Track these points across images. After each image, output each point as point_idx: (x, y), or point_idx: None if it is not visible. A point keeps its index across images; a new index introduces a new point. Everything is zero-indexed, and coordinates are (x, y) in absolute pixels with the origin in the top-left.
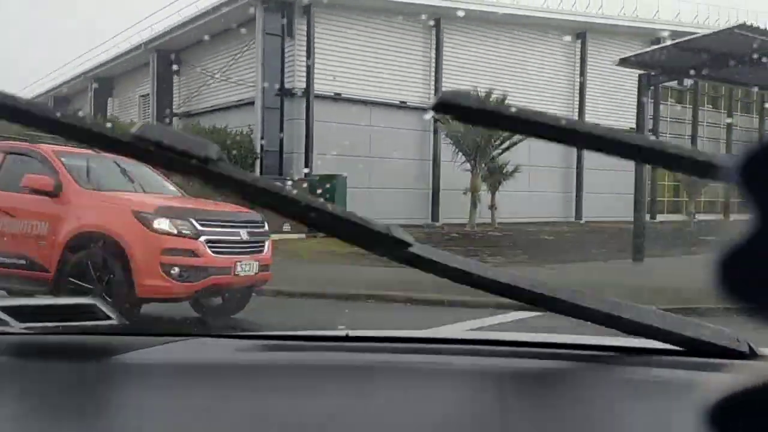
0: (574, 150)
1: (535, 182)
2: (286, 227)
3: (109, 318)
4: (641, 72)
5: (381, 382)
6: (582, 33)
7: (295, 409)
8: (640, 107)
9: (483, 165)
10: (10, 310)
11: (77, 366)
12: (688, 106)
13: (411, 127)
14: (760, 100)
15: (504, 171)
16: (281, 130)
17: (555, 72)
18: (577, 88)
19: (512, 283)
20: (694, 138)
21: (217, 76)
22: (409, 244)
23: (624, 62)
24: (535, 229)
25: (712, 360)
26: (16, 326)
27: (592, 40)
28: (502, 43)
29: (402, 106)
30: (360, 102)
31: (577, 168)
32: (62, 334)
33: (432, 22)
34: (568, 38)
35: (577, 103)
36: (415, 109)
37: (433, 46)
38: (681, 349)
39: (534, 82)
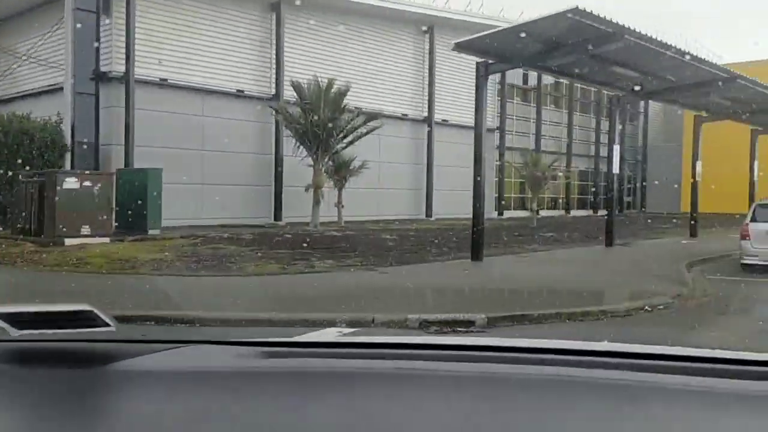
0: (425, 146)
1: (386, 179)
2: (85, 230)
3: (107, 325)
4: (479, 60)
5: (379, 388)
6: (430, 27)
7: (294, 414)
8: (479, 96)
9: (327, 159)
10: (8, 318)
11: (76, 373)
12: (532, 104)
13: (250, 118)
14: (596, 100)
15: (351, 167)
16: (96, 119)
17: (404, 65)
18: (427, 81)
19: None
20: (537, 135)
21: (24, 57)
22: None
23: (460, 47)
24: (380, 228)
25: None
26: (14, 334)
27: (440, 35)
28: (348, 34)
29: (239, 95)
30: (190, 89)
31: (427, 164)
32: (60, 341)
33: (271, 9)
34: (415, 31)
35: (427, 97)
36: (255, 98)
37: (273, 34)
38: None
39: (382, 75)
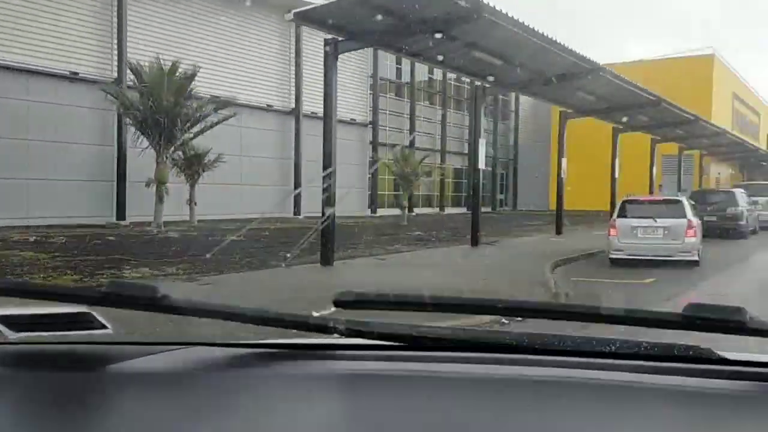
0: (293, 139)
1: (249, 174)
2: None
3: (104, 327)
4: (328, 37)
5: (375, 390)
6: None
7: (291, 417)
8: (328, 80)
9: (172, 151)
10: (5, 320)
11: (73, 376)
12: (406, 100)
13: (87, 104)
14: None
15: (205, 160)
16: None
17: (269, 52)
18: (293, 71)
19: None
20: (412, 131)
21: None
22: (328, 327)
23: (299, 17)
24: (236, 228)
25: (680, 365)
26: (10, 336)
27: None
28: (205, 16)
29: (74, 78)
30: (12, 69)
31: (295, 159)
32: (58, 343)
33: None
34: (281, 17)
35: (294, 87)
36: (92, 82)
37: (114, 9)
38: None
39: (244, 62)
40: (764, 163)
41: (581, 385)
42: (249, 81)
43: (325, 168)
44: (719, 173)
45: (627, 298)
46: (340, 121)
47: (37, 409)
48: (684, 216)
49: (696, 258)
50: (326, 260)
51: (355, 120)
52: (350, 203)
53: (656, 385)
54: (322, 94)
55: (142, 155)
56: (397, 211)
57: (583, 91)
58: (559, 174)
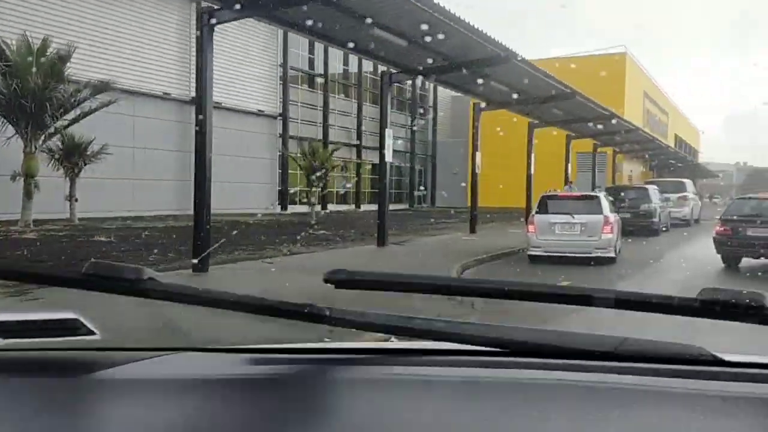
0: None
1: (143, 167)
2: None
3: (92, 333)
4: (203, 7)
5: (367, 394)
6: None
7: (281, 422)
8: (202, 57)
9: (43, 140)
10: None
11: (61, 382)
12: (320, 92)
13: None
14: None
15: (88, 151)
16: None
17: (166, 36)
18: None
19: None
20: (325, 125)
21: None
22: (324, 316)
23: None
24: (116, 227)
25: (676, 367)
26: None
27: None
28: None
29: None
30: None
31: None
32: (45, 350)
33: None
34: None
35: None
36: None
37: None
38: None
39: (135, 45)
40: (673, 161)
41: (574, 387)
42: (144, 66)
43: (198, 159)
44: (631, 171)
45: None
46: (247, 113)
47: (23, 417)
48: (600, 212)
49: (612, 254)
50: (201, 266)
51: (263, 111)
52: (257, 199)
53: (655, 388)
54: (226, 82)
55: (7, 144)
56: (306, 209)
57: (495, 81)
58: (473, 169)
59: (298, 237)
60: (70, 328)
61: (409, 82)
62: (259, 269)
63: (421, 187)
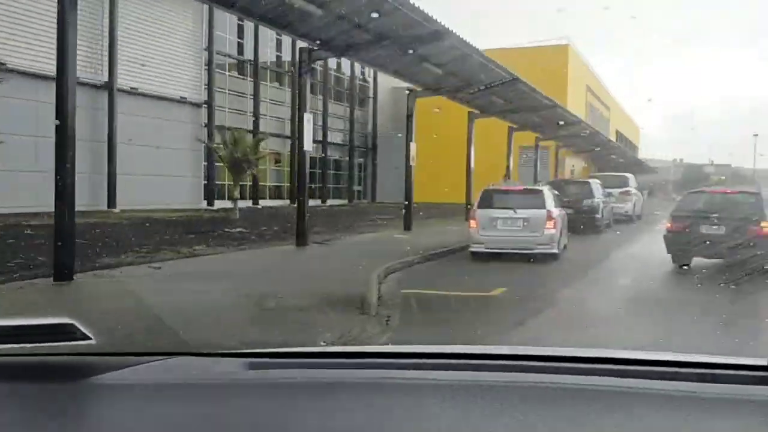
0: (105, 118)
1: (46, 158)
2: None
3: (87, 338)
4: None
5: (362, 397)
6: None
7: (278, 425)
8: (62, 28)
9: None
10: None
11: (56, 387)
12: (249, 79)
13: None
14: (323, 80)
15: None
16: None
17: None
18: (107, 37)
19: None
20: (256, 115)
21: None
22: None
23: None
24: (6, 224)
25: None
26: None
27: None
28: None
29: None
30: None
31: (108, 142)
32: (40, 355)
33: None
34: None
35: (107, 56)
36: None
37: None
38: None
39: (37, 24)
40: (615, 157)
41: (570, 391)
42: (45, 46)
43: (59, 148)
44: (574, 166)
45: (469, 318)
46: (168, 99)
47: (19, 422)
48: (543, 207)
49: (555, 251)
50: (60, 274)
51: (185, 98)
52: (180, 194)
53: (656, 391)
54: (141, 66)
55: None
56: (241, 204)
57: (429, 63)
58: (407, 161)
59: (213, 235)
60: (66, 333)
61: (348, 72)
62: (140, 276)
63: (360, 183)
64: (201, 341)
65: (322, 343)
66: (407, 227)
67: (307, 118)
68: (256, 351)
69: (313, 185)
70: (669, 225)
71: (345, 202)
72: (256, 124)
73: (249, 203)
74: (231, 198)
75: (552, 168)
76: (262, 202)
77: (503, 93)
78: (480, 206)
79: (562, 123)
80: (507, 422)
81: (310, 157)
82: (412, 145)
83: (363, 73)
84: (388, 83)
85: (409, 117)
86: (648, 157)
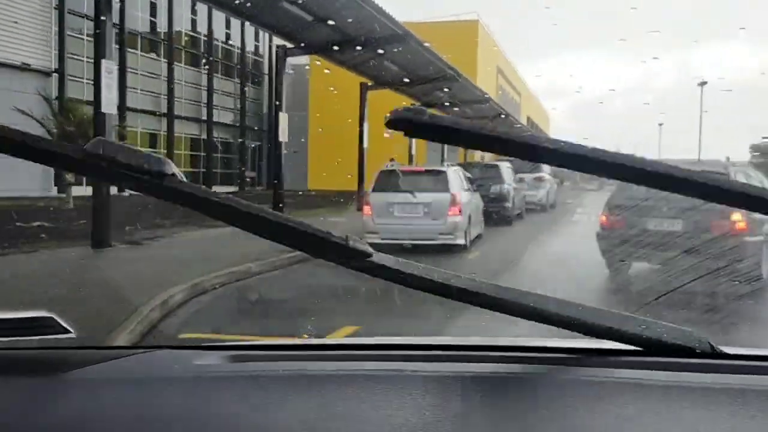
0: None
1: None
2: None
3: (67, 332)
4: None
5: (346, 390)
6: None
7: (260, 419)
8: None
9: None
10: None
11: (33, 381)
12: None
13: None
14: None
15: None
16: None
17: None
18: None
19: (473, 289)
20: (122, 88)
21: None
22: (368, 254)
23: None
24: None
25: (672, 359)
26: None
27: None
28: None
29: None
30: None
31: None
32: (18, 349)
33: None
34: None
35: None
36: None
37: None
38: (641, 349)
39: None
40: None
41: (544, 380)
42: None
43: None
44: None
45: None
46: (6, 66)
47: None
48: (447, 190)
49: (462, 242)
50: None
51: (29, 65)
52: (24, 179)
53: (654, 381)
54: None
55: None
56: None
57: (303, 11)
58: (275, 136)
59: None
60: (45, 326)
61: (237, 44)
62: None
63: (254, 168)
64: (181, 336)
65: (305, 336)
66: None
67: (106, 67)
68: (238, 344)
69: (196, 170)
70: (604, 219)
71: (236, 189)
72: (122, 98)
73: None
74: (62, 183)
75: (462, 151)
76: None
77: (399, 58)
78: (375, 189)
79: (469, 99)
80: (451, 410)
81: (192, 138)
82: (282, 116)
83: (257, 47)
84: (287, 60)
85: (278, 75)
86: None
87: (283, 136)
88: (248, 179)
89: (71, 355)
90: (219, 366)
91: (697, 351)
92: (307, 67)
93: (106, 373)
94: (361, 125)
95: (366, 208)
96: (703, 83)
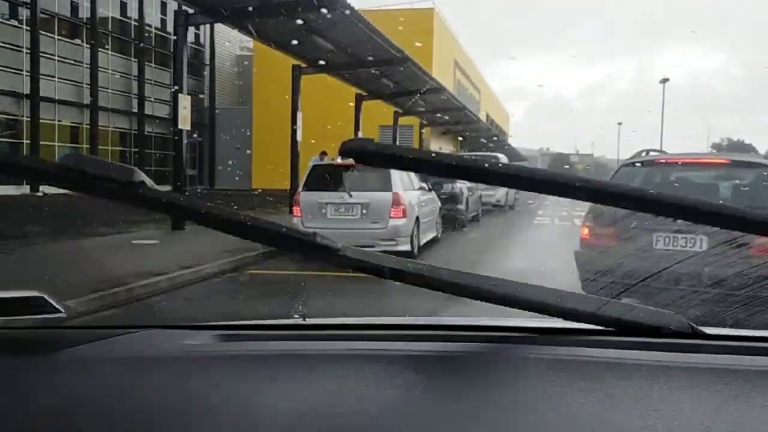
0: None
1: None
2: None
3: (58, 311)
4: None
5: (337, 369)
6: None
7: (251, 399)
8: None
9: None
10: None
11: (26, 361)
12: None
13: None
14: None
15: None
16: None
17: None
18: None
19: (446, 279)
20: (34, 75)
21: None
22: (336, 249)
23: None
24: None
25: (650, 339)
26: None
27: None
28: None
29: None
30: None
31: None
32: (9, 328)
33: None
34: None
35: None
36: None
37: None
38: (612, 329)
39: None
40: (485, 140)
41: (509, 360)
42: None
43: None
44: (441, 147)
45: None
46: None
47: None
48: (389, 189)
49: (407, 248)
50: None
51: None
52: None
53: (638, 361)
54: None
55: None
56: (20, 190)
57: None
58: (175, 124)
59: None
60: (36, 306)
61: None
62: None
63: (194, 167)
64: (173, 315)
65: (295, 316)
66: (176, 226)
67: None
68: (228, 323)
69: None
70: (586, 232)
71: (170, 188)
72: (34, 86)
73: (27, 189)
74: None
75: (421, 144)
76: (49, 189)
77: (333, 34)
78: (306, 188)
79: (422, 87)
80: (420, 390)
81: (121, 132)
82: (183, 98)
83: (197, 35)
84: (231, 49)
85: (178, 47)
86: (517, 146)
87: (183, 123)
88: (188, 177)
89: (62, 334)
90: (209, 345)
91: (676, 331)
92: (252, 57)
93: (96, 352)
94: (294, 114)
95: (296, 209)
96: (665, 80)
